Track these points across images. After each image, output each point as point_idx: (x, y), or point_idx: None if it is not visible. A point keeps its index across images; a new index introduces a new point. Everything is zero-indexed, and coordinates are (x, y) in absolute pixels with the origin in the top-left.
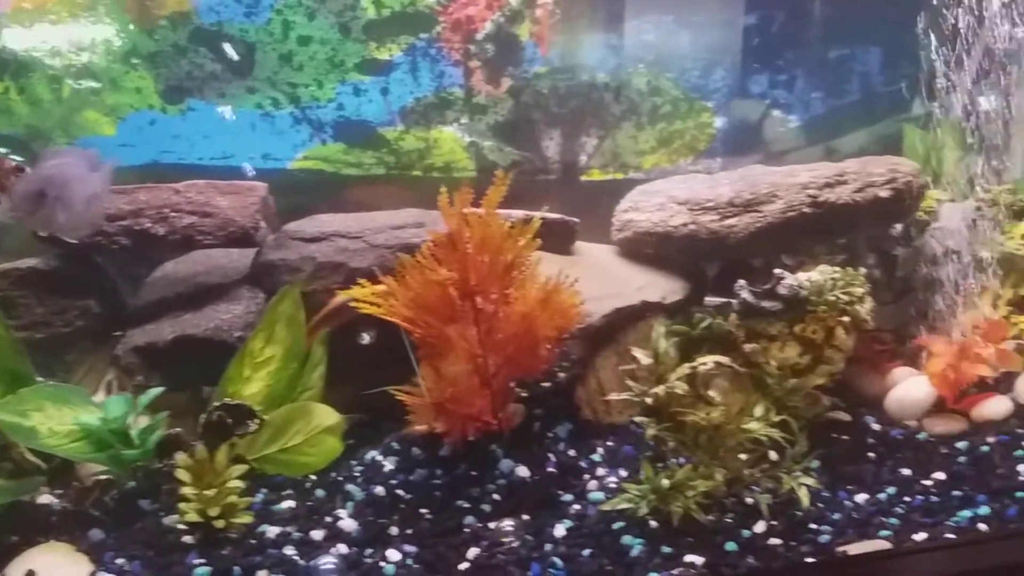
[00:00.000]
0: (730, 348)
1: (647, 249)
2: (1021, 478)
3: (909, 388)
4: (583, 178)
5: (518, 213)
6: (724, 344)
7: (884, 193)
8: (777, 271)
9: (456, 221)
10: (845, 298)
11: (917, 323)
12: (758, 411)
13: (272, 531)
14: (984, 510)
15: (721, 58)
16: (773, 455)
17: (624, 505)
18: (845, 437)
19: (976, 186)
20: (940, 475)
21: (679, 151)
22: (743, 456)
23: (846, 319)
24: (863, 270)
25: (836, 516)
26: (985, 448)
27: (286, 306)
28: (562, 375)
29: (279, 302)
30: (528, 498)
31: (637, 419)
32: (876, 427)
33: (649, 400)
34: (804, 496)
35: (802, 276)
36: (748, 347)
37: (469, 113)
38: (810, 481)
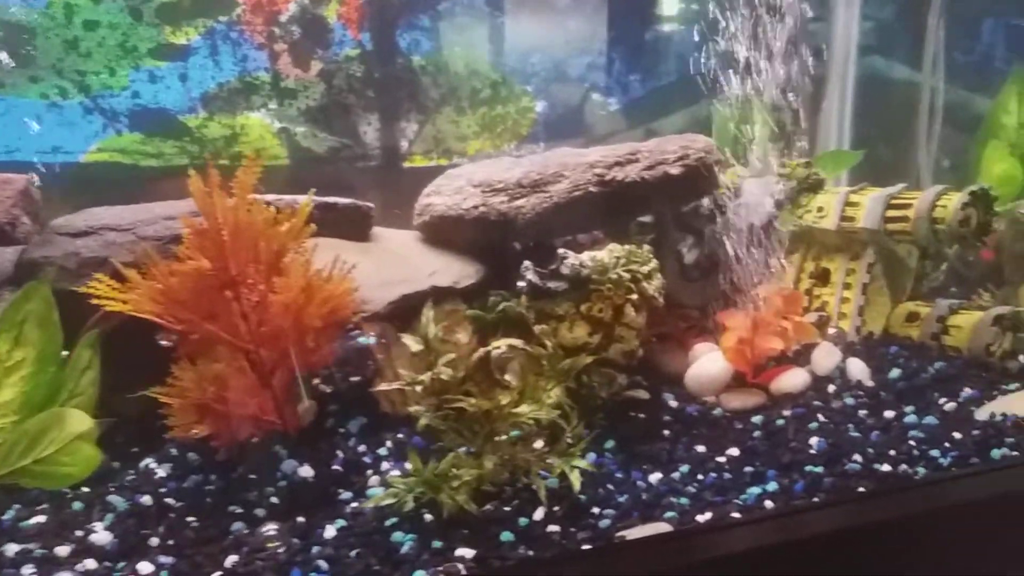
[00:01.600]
0: (525, 331)
1: (443, 233)
2: (812, 451)
3: (706, 364)
4: (406, 164)
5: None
6: (519, 327)
7: (675, 170)
8: (560, 251)
9: (208, 207)
10: (627, 276)
11: (723, 299)
12: (538, 394)
13: (13, 549)
14: (772, 486)
15: (539, 41)
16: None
17: (389, 501)
18: (643, 416)
19: (774, 161)
20: (734, 451)
21: (502, 136)
22: (533, 441)
23: (635, 297)
24: (646, 247)
25: (623, 499)
26: (780, 422)
27: (35, 304)
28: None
29: (26, 300)
30: (306, 499)
31: (411, 409)
32: (674, 404)
33: (418, 388)
34: (576, 480)
35: (586, 255)
36: (538, 328)
37: (278, 98)
38: (583, 464)
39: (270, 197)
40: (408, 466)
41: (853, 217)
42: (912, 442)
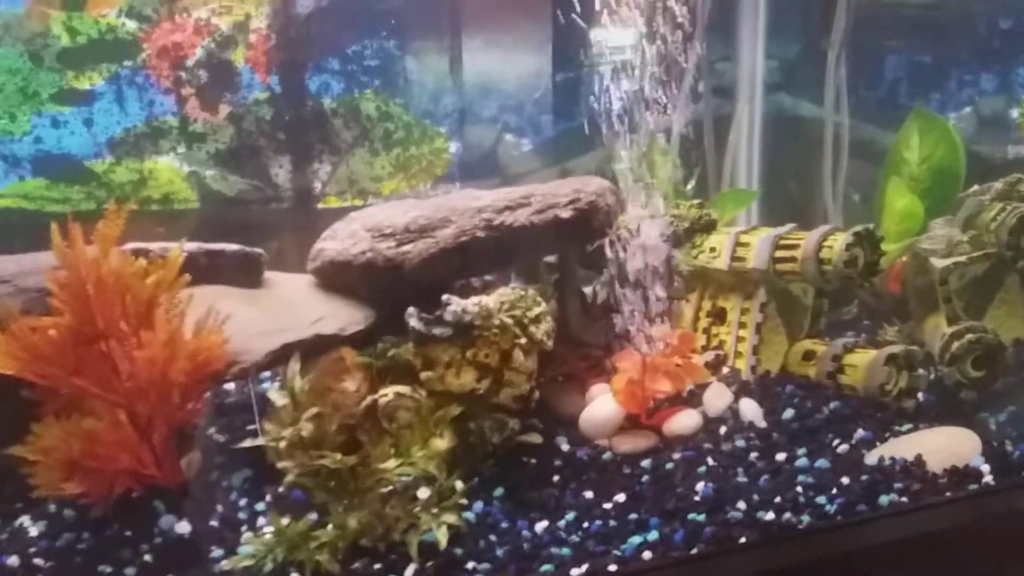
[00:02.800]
0: (414, 378)
1: (334, 279)
2: (696, 498)
3: (598, 406)
4: (320, 206)
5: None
6: (409, 374)
7: (565, 214)
8: (445, 296)
9: (69, 259)
10: (510, 321)
11: (624, 339)
12: (410, 446)
13: None
14: (653, 535)
15: (450, 83)
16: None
17: (247, 562)
18: (534, 461)
19: (670, 202)
20: (621, 497)
21: (417, 177)
22: (414, 493)
23: (523, 341)
24: (530, 291)
25: (500, 552)
26: (669, 465)
27: None
28: None
29: None
30: (180, 557)
31: (279, 465)
32: (566, 448)
33: (282, 444)
34: (442, 536)
35: (471, 300)
36: (424, 375)
37: (186, 142)
38: (452, 519)
39: (154, 246)
40: (286, 522)
41: (744, 257)
42: (799, 488)
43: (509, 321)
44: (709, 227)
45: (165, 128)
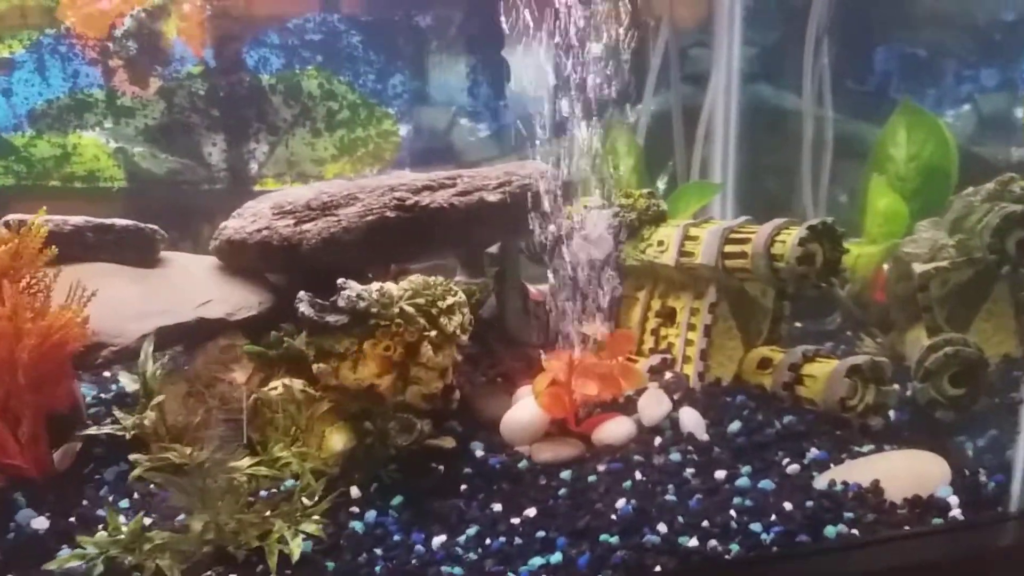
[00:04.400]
0: (308, 369)
1: (231, 259)
2: (613, 516)
3: (518, 410)
4: (256, 188)
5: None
6: (302, 365)
7: (492, 197)
8: (340, 281)
9: None
10: (412, 310)
11: (561, 338)
12: (277, 448)
13: None
14: (557, 557)
15: (400, 63)
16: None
17: (75, 563)
18: (443, 468)
19: (620, 192)
20: (531, 511)
21: (363, 160)
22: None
23: (433, 334)
24: (441, 278)
25: (379, 568)
26: (592, 478)
27: None
28: None
29: None
30: (30, 554)
31: (131, 457)
32: (480, 454)
33: (128, 435)
34: (296, 547)
35: (372, 286)
36: (316, 368)
37: (113, 116)
38: (312, 528)
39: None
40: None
41: (692, 252)
42: (734, 512)
43: (411, 310)
44: (658, 218)
45: (90, 101)
